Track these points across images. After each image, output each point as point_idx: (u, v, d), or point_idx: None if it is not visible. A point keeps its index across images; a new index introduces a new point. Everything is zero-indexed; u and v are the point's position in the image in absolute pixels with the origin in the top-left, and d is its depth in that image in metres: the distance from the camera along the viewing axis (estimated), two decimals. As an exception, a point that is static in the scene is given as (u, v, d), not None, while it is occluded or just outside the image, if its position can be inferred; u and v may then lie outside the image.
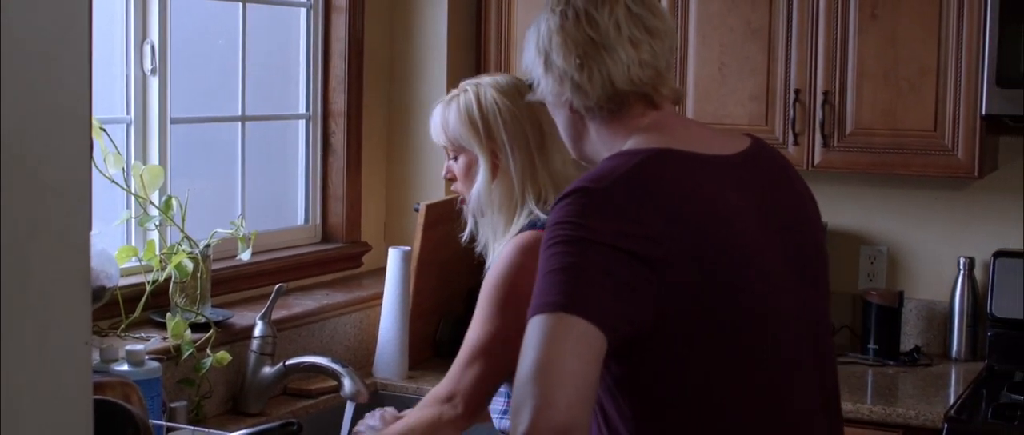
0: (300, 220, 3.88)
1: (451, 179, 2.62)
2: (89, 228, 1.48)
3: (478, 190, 2.53)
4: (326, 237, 3.89)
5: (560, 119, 2.06)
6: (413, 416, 2.51)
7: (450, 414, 2.48)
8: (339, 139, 3.86)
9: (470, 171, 2.55)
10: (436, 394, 2.49)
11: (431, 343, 3.76)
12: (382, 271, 3.92)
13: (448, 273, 3.76)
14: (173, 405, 2.90)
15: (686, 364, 1.84)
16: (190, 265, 3.10)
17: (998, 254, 3.76)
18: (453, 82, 3.97)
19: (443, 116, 2.58)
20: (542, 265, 1.79)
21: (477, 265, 3.89)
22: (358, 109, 3.89)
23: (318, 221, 3.88)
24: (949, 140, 3.54)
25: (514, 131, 2.52)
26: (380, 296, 3.66)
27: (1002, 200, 3.83)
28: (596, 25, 1.96)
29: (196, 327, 3.08)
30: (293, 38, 3.85)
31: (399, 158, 4.04)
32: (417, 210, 3.64)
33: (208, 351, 3.04)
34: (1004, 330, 3.74)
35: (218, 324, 3.12)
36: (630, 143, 1.96)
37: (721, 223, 1.87)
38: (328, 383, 3.33)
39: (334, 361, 3.01)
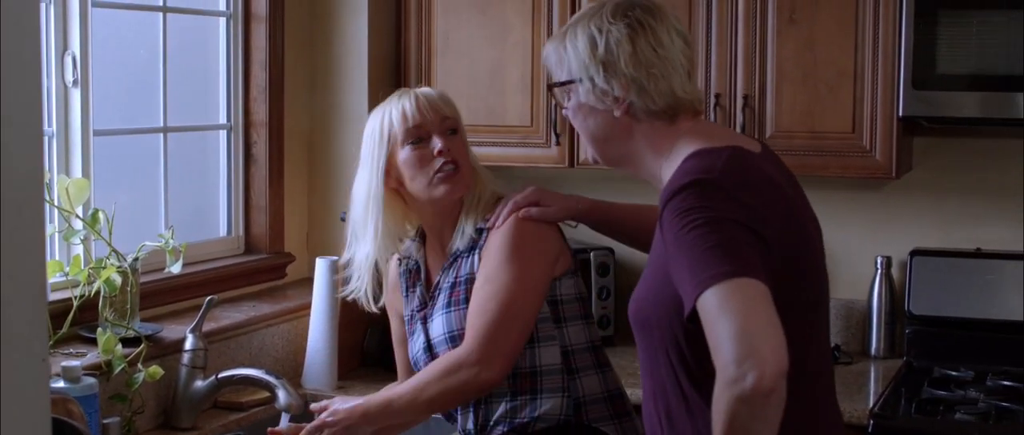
0: (222, 231, 3.85)
1: None
2: (44, 244, 1.47)
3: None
4: (249, 248, 3.87)
5: (597, 120, 2.26)
6: (435, 386, 2.58)
7: (487, 376, 2.58)
8: (261, 149, 3.84)
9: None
10: (459, 359, 2.56)
11: (359, 353, 3.75)
12: (306, 281, 3.90)
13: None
14: (106, 421, 2.86)
15: (790, 293, 2.09)
16: (119, 279, 3.06)
17: (915, 252, 3.84)
18: (374, 91, 3.98)
19: None
20: (690, 246, 2.01)
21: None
22: (279, 119, 3.87)
23: (241, 232, 3.85)
24: (867, 142, 3.61)
25: None
26: (307, 307, 3.64)
27: (918, 200, 3.92)
28: (660, 39, 2.22)
29: (126, 342, 3.04)
30: (212, 48, 3.82)
31: (321, 168, 4.03)
32: (343, 219, 3.61)
33: (139, 366, 3.00)
34: (922, 327, 3.82)
35: (148, 338, 3.09)
36: (684, 143, 2.20)
37: (789, 204, 2.17)
38: (259, 395, 3.31)
39: (268, 373, 3.00)
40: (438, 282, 2.76)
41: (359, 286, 2.81)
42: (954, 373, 3.64)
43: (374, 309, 2.85)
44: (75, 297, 3.06)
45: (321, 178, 4.02)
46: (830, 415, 2.32)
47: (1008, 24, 3.45)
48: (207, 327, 3.25)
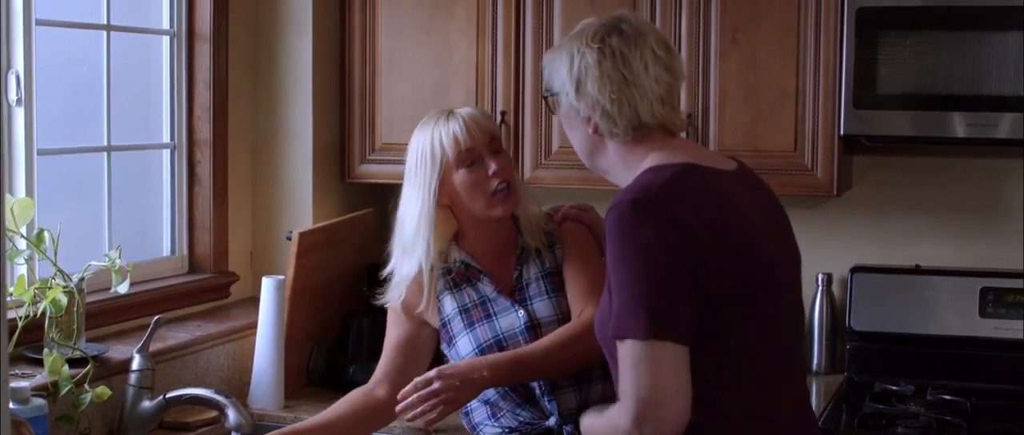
0: (166, 251, 3.82)
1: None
2: (4, 266, 1.46)
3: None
4: (193, 268, 3.85)
5: (578, 133, 2.42)
6: (575, 345, 2.83)
7: None
8: (205, 169, 3.82)
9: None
10: (587, 322, 2.77)
11: (305, 372, 3.74)
12: (250, 301, 3.90)
13: (321, 301, 3.75)
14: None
15: (726, 328, 2.23)
16: (65, 299, 3.03)
17: (855, 269, 3.89)
18: (319, 110, 3.98)
19: None
20: (623, 283, 2.16)
21: (350, 293, 3.91)
22: (223, 138, 3.85)
23: (185, 251, 3.83)
24: (809, 160, 3.66)
25: None
26: (252, 326, 3.63)
27: (858, 217, 3.98)
28: (630, 66, 2.32)
29: (72, 362, 3.01)
30: (156, 67, 3.80)
31: (265, 187, 4.01)
32: (289, 238, 3.62)
33: (86, 386, 2.98)
34: (862, 343, 3.87)
35: (95, 358, 3.06)
36: (649, 160, 2.31)
37: (740, 217, 2.27)
38: (206, 415, 3.29)
39: (217, 392, 2.98)
40: (520, 274, 3.00)
41: (399, 294, 3.02)
42: (895, 388, 3.70)
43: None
44: (20, 317, 3.03)
45: (265, 197, 4.01)
46: None
47: (944, 44, 3.51)
48: (153, 347, 3.23)
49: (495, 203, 2.93)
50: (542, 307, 2.97)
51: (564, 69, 2.38)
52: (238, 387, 3.59)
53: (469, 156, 2.92)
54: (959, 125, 3.53)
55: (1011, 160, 3.88)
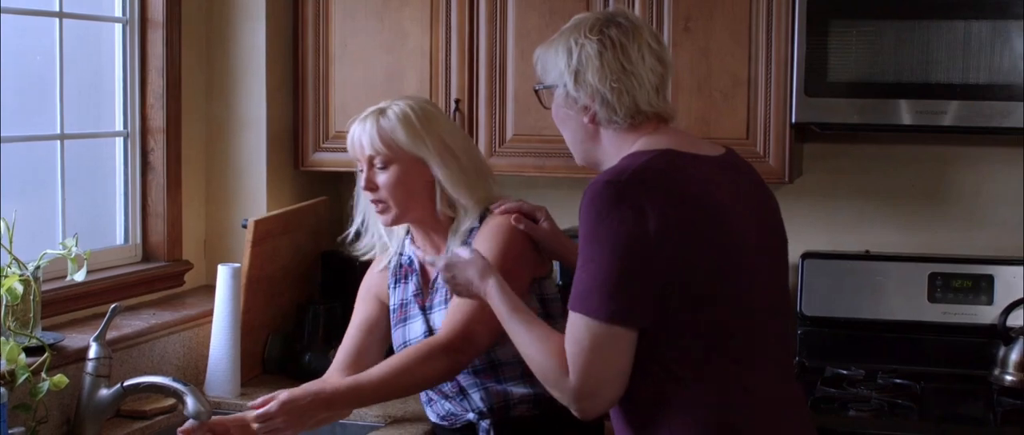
0: (119, 240, 3.80)
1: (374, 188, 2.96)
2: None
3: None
4: (147, 256, 3.83)
5: (572, 124, 2.50)
6: (414, 371, 2.80)
7: (460, 363, 2.85)
8: (158, 156, 3.80)
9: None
10: (436, 346, 2.81)
11: (260, 360, 3.73)
12: (204, 289, 3.89)
13: (276, 289, 3.75)
14: (11, 432, 2.82)
15: (694, 309, 2.29)
16: (20, 288, 3.01)
17: (806, 255, 3.94)
18: (273, 97, 3.97)
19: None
20: (589, 259, 2.25)
21: (305, 281, 3.91)
22: (177, 126, 3.83)
23: (138, 240, 3.81)
24: (761, 147, 3.69)
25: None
26: (206, 314, 3.62)
27: (808, 204, 4.02)
28: (628, 56, 2.42)
29: (28, 351, 2.99)
30: (107, 54, 3.78)
31: (218, 175, 4.00)
32: (245, 226, 3.62)
33: (43, 375, 2.96)
34: (813, 328, 3.92)
35: (51, 347, 3.04)
36: (638, 145, 2.41)
37: (713, 203, 2.32)
38: (162, 403, 3.29)
39: (175, 380, 2.97)
40: (436, 277, 3.00)
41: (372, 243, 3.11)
42: (845, 372, 3.75)
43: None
44: (-25, 306, 3.01)
45: (218, 185, 4.00)
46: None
47: (893, 33, 3.55)
48: (108, 336, 3.21)
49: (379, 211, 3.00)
50: (439, 317, 2.96)
51: (562, 61, 2.46)
52: (193, 375, 3.58)
53: (359, 162, 3.00)
54: (908, 112, 3.57)
55: (958, 147, 3.94)
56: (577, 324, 2.27)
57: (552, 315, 2.97)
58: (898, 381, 3.66)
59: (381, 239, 3.10)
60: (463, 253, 2.64)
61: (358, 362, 3.04)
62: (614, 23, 2.46)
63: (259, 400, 2.76)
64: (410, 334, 3.02)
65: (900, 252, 3.94)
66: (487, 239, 2.90)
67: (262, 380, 3.67)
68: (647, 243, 2.24)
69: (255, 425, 2.73)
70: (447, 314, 2.87)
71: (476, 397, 2.96)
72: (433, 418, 3.09)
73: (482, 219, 2.97)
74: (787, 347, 2.55)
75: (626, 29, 2.45)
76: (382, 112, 2.98)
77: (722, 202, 2.35)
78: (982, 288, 3.81)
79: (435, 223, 3.01)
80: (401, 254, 3.10)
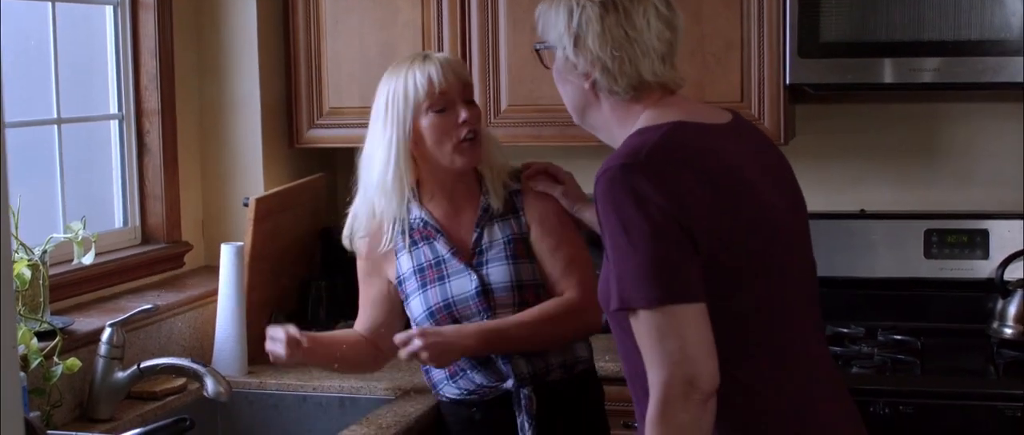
0: (118, 222, 3.80)
1: None
2: (10, 234, 1.46)
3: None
4: (146, 238, 3.82)
5: (571, 88, 2.34)
6: (557, 326, 2.91)
7: (596, 320, 2.93)
8: (154, 138, 3.80)
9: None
10: (575, 304, 2.90)
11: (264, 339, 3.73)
12: (205, 269, 3.89)
13: (279, 267, 3.75)
14: (29, 416, 2.82)
15: (730, 290, 2.16)
16: (28, 272, 3.01)
17: (802, 216, 3.96)
18: (265, 74, 3.97)
19: None
20: (624, 249, 2.09)
21: (306, 258, 3.91)
22: (171, 107, 3.82)
23: (137, 222, 3.81)
24: (756, 110, 3.72)
25: None
26: (209, 294, 3.63)
27: (803, 165, 3.97)
28: (633, 23, 2.25)
29: (40, 335, 3.00)
30: (99, 37, 3.76)
31: (214, 154, 4.00)
32: (246, 204, 3.62)
33: (56, 359, 2.96)
34: (811, 288, 3.94)
35: (62, 331, 3.04)
36: (643, 119, 2.25)
37: (735, 173, 2.21)
38: (173, 384, 3.29)
39: (194, 361, 2.98)
40: (481, 236, 2.96)
41: (364, 234, 3.03)
42: (846, 330, 3.78)
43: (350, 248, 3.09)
44: (-17, 293, 3.00)
45: (215, 165, 4.00)
46: (822, 405, 2.29)
47: (883, -8, 3.58)
48: (115, 318, 3.21)
49: (460, 150, 2.90)
50: (497, 272, 2.93)
51: (561, 22, 2.29)
52: (200, 354, 3.58)
53: (441, 100, 2.89)
54: (900, 71, 3.60)
55: (949, 104, 3.98)
56: (638, 323, 2.10)
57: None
58: (898, 337, 3.69)
59: (376, 217, 3.00)
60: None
61: (377, 333, 3.04)
62: None
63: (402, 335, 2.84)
64: (455, 291, 2.94)
65: (895, 210, 3.97)
66: (546, 217, 2.98)
67: (268, 358, 3.67)
68: (676, 218, 2.08)
69: (401, 350, 2.80)
70: (563, 273, 2.93)
71: (521, 363, 2.93)
72: (452, 393, 3.01)
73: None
74: (821, 325, 2.43)
75: None
76: (440, 57, 2.95)
77: (742, 171, 2.22)
78: (977, 243, 3.84)
79: (471, 176, 3.00)
80: (415, 218, 2.99)
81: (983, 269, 3.84)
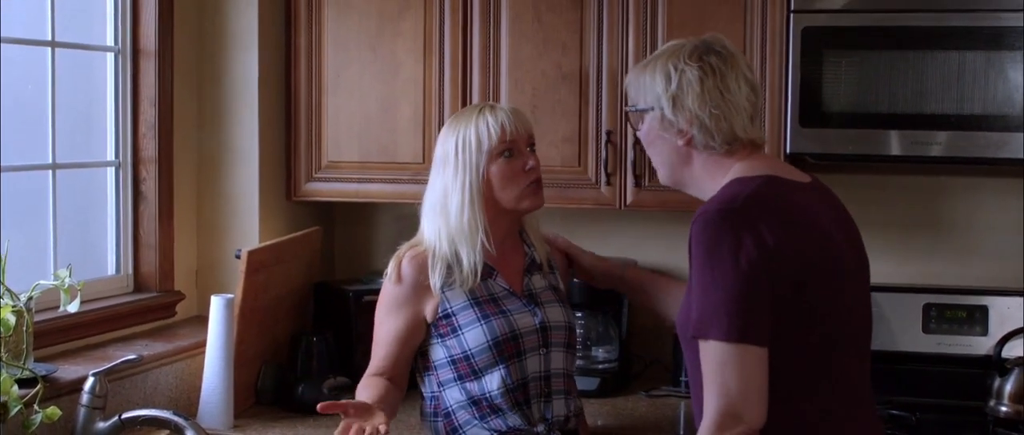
0: (111, 270, 3.78)
1: None
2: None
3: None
4: (139, 287, 3.80)
5: (665, 146, 2.58)
6: None
7: None
8: (150, 187, 3.78)
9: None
10: None
11: (253, 392, 3.71)
12: (196, 320, 3.86)
13: (269, 320, 3.72)
14: (4, 464, 2.80)
15: (802, 332, 2.38)
16: (13, 319, 2.99)
17: (800, 286, 3.92)
18: (265, 127, 3.96)
19: None
20: (711, 284, 2.31)
21: (298, 312, 3.89)
22: (169, 156, 3.82)
23: (130, 270, 3.79)
24: (755, 178, 3.68)
25: None
26: (199, 345, 3.60)
27: (802, 234, 4.01)
28: (727, 85, 2.51)
29: (21, 383, 2.97)
30: (99, 84, 3.76)
31: (210, 205, 3.98)
32: (238, 256, 3.60)
33: (36, 407, 2.93)
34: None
35: (44, 379, 3.02)
36: (734, 172, 2.50)
37: (817, 226, 2.45)
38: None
39: (176, 413, 2.95)
40: (530, 282, 3.13)
41: (440, 275, 3.05)
42: (841, 403, 3.73)
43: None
44: (-33, 338, 2.98)
45: (211, 215, 3.98)
46: None
47: (887, 63, 3.56)
48: (101, 367, 3.18)
49: (526, 195, 3.05)
50: (554, 313, 3.11)
51: (659, 84, 2.53)
52: (186, 406, 3.55)
53: (509, 147, 3.03)
54: (902, 143, 3.58)
55: (951, 178, 3.95)
56: (707, 351, 2.32)
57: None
58: (894, 412, 3.64)
59: (449, 256, 3.06)
60: None
61: (394, 370, 3.04)
62: (713, 51, 2.54)
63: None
64: (520, 325, 3.05)
65: (895, 283, 3.93)
66: (561, 268, 3.25)
67: (256, 412, 3.65)
68: (765, 265, 2.30)
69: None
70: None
71: (560, 404, 3.07)
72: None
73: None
74: (869, 381, 2.60)
75: (724, 57, 2.53)
76: (505, 107, 3.09)
77: (825, 228, 2.45)
78: (977, 319, 3.80)
79: (515, 227, 3.16)
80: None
81: (982, 345, 3.79)
